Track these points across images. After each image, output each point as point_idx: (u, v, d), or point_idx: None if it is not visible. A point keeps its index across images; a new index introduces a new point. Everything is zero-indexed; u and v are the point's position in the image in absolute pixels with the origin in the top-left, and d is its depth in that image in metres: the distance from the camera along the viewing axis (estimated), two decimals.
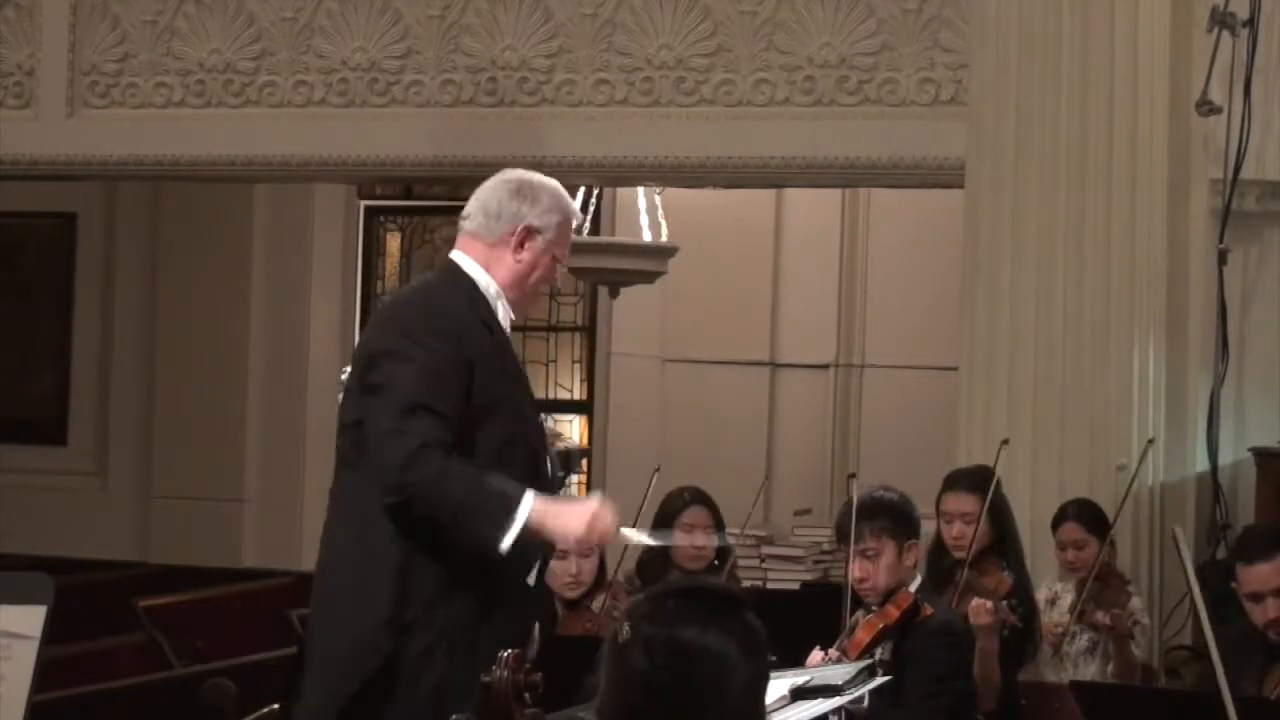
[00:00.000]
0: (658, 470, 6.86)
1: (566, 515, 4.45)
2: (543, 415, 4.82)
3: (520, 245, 4.62)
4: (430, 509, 4.38)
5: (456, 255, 4.68)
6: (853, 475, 5.94)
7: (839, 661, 5.28)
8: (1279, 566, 5.13)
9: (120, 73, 8.64)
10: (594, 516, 4.44)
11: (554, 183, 4.73)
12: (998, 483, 6.38)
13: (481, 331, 4.55)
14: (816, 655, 5.28)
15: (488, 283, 4.62)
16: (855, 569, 5.47)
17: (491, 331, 4.58)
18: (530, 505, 4.36)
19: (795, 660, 5.21)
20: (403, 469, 4.37)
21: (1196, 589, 4.56)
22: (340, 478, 4.64)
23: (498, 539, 4.34)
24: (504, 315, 4.65)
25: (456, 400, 4.43)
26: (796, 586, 9.02)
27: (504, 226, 4.63)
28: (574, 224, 4.73)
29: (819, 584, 9.02)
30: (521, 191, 4.66)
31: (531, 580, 4.59)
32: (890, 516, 5.51)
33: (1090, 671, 6.39)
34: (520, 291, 4.65)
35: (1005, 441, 6.56)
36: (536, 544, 4.50)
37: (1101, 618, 6.32)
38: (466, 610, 4.44)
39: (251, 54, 8.45)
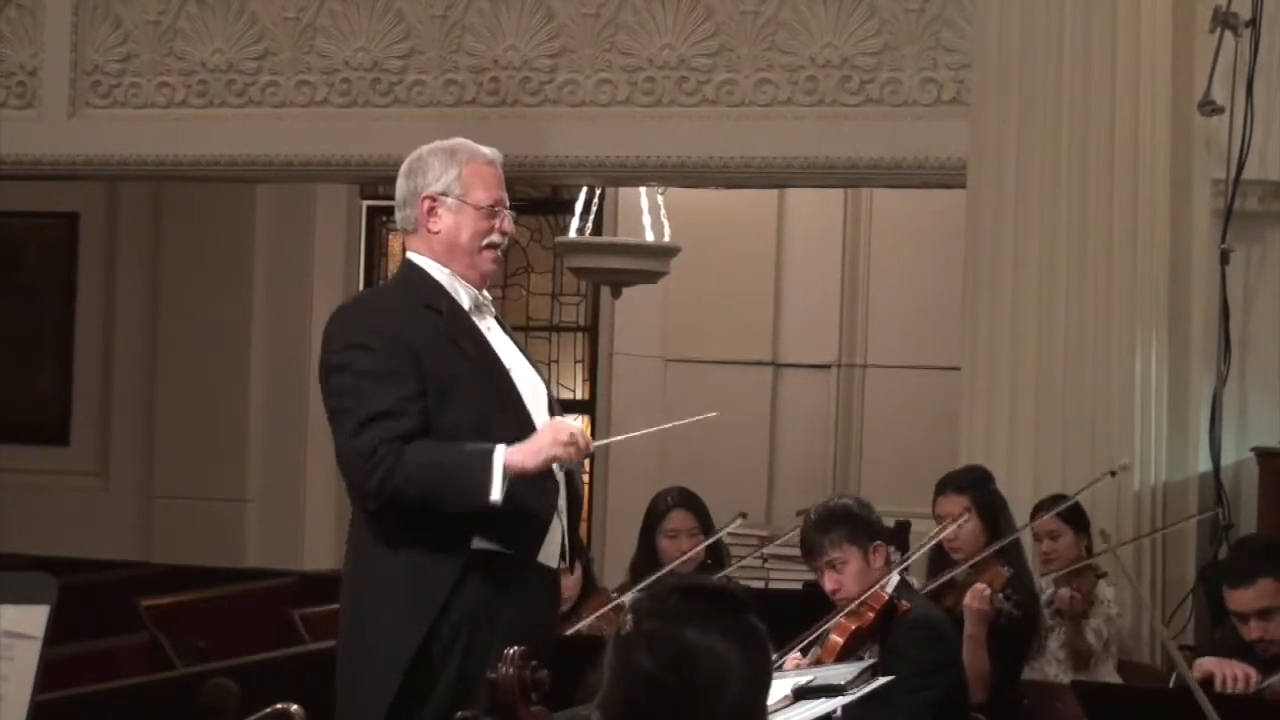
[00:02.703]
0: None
1: (538, 441, 4.44)
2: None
3: (429, 216, 4.61)
4: (411, 498, 4.39)
5: (408, 254, 4.71)
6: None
7: (813, 666, 5.27)
8: (1261, 591, 5.13)
9: (122, 73, 8.64)
10: (560, 429, 4.46)
11: (448, 142, 4.69)
12: (989, 483, 6.44)
13: (425, 316, 4.53)
14: (793, 659, 5.28)
15: (438, 268, 4.62)
16: (826, 582, 5.48)
17: (441, 313, 4.55)
18: (503, 450, 4.38)
19: None
20: (365, 479, 4.40)
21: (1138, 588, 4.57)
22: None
23: (485, 492, 4.35)
24: (466, 294, 4.62)
25: (415, 388, 4.44)
26: (798, 586, 9.01)
27: (412, 210, 4.64)
28: (483, 161, 4.65)
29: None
30: (412, 170, 4.66)
31: (553, 561, 4.58)
32: (847, 524, 5.49)
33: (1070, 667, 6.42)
34: (462, 260, 4.61)
35: (1113, 473, 6.64)
36: (546, 501, 4.51)
37: (1062, 594, 6.36)
38: (480, 599, 4.45)
39: (254, 54, 8.45)
